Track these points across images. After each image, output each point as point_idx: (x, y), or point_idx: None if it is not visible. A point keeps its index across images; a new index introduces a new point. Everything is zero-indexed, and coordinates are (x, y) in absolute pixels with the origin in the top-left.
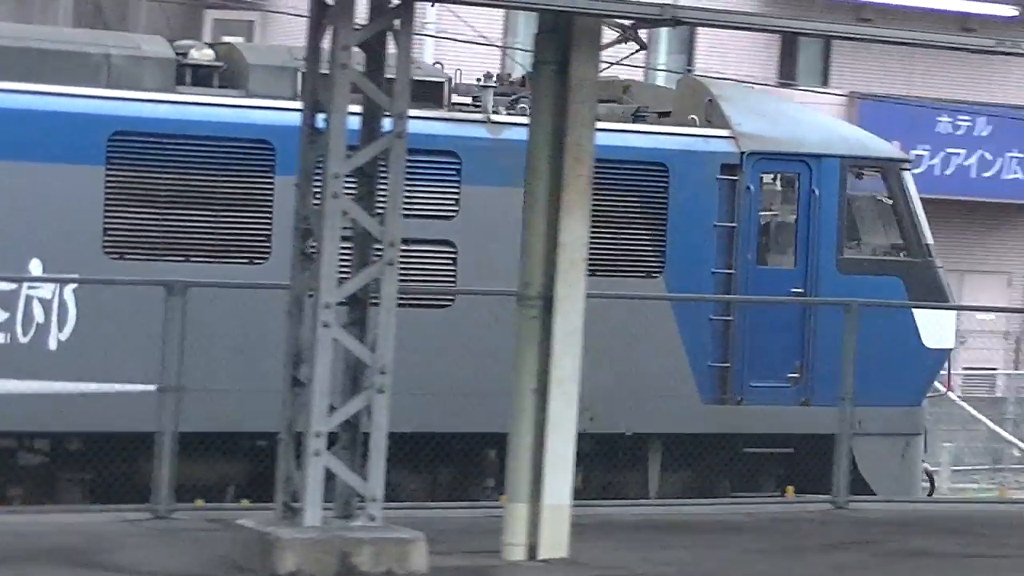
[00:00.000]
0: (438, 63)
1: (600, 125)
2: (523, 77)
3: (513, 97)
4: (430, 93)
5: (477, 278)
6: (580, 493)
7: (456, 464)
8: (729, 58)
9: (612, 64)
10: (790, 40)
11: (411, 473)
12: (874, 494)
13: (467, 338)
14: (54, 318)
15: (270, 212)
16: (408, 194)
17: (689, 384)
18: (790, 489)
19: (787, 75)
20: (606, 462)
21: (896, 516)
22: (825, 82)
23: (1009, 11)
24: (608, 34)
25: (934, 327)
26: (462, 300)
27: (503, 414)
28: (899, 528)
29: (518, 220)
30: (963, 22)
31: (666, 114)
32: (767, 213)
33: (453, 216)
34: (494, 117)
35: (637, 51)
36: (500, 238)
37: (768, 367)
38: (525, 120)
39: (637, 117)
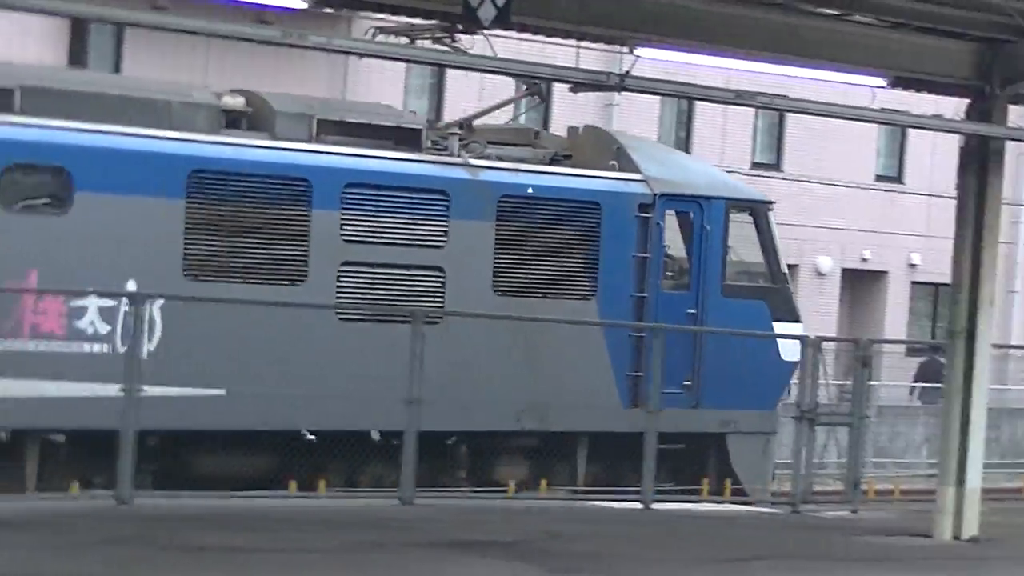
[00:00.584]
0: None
1: (549, 168)
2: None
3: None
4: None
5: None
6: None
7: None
8: (27, 39)
9: None
10: (79, 22)
11: None
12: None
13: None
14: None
15: (307, 241)
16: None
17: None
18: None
19: (77, 59)
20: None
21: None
22: (117, 68)
23: (299, 3)
24: None
25: (789, 344)
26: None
27: None
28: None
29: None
30: (260, 15)
31: (568, 158)
32: (669, 246)
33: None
34: (472, 161)
35: None
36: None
37: (669, 377)
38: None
39: (553, 161)
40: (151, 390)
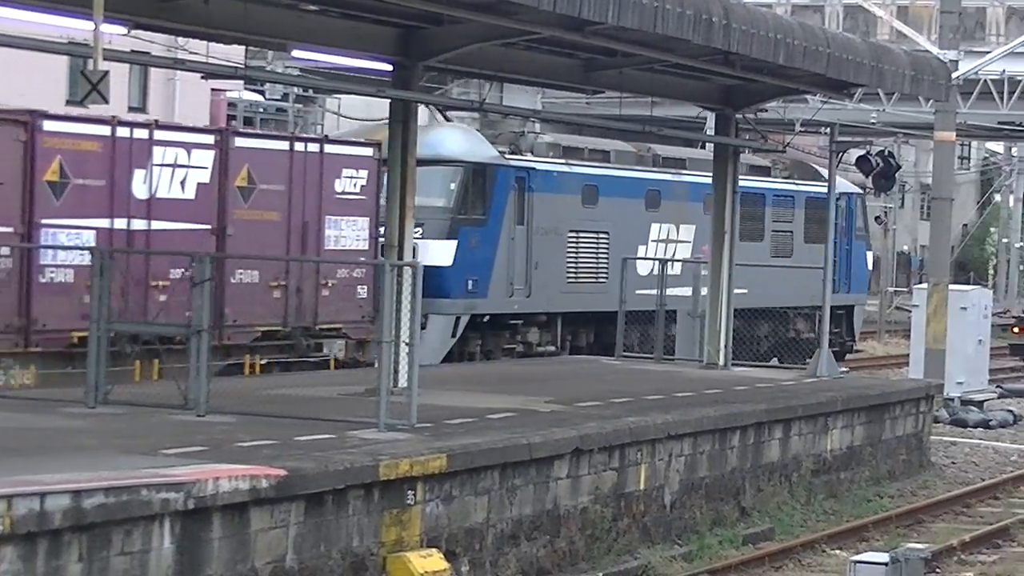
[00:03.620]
0: None
1: (794, 181)
2: None
3: None
4: None
5: None
6: None
7: None
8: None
9: None
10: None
11: None
12: None
13: None
14: None
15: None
16: None
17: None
18: None
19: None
20: None
21: None
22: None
23: None
24: None
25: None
26: None
27: None
28: None
29: None
30: None
31: (791, 176)
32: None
33: None
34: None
35: None
36: None
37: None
38: None
39: (788, 177)
40: None
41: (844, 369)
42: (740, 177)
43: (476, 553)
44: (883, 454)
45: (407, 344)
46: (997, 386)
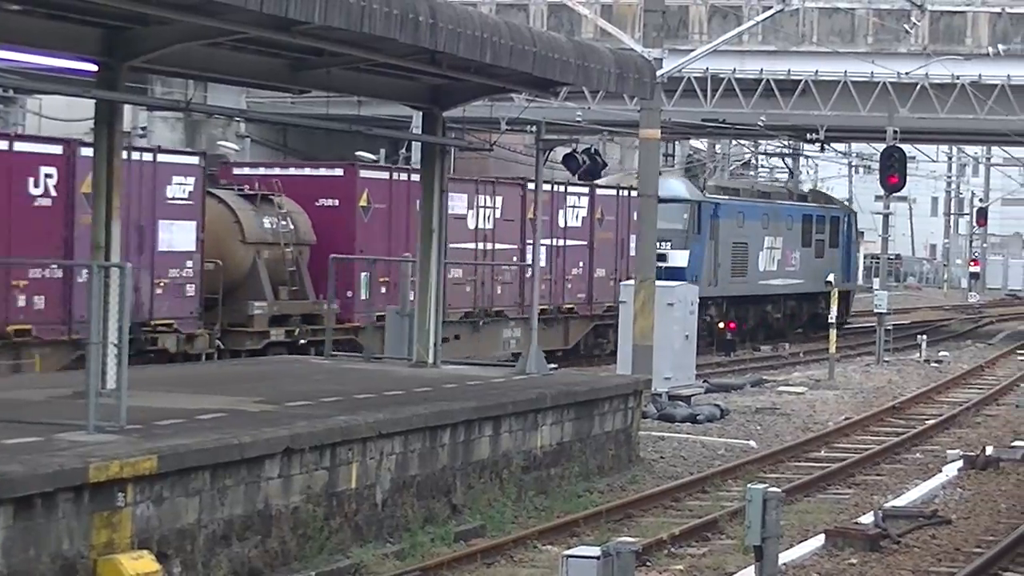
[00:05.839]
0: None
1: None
2: None
3: None
4: None
5: None
6: None
7: None
8: None
9: None
10: None
11: None
12: None
13: None
14: None
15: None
16: None
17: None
18: None
19: None
20: None
21: None
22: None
23: None
24: None
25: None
26: None
27: None
28: None
29: None
30: None
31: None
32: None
33: None
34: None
35: None
36: None
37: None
38: None
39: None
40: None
41: (553, 366)
42: (801, 204)
43: (188, 554)
44: (593, 450)
45: (116, 346)
46: (704, 381)
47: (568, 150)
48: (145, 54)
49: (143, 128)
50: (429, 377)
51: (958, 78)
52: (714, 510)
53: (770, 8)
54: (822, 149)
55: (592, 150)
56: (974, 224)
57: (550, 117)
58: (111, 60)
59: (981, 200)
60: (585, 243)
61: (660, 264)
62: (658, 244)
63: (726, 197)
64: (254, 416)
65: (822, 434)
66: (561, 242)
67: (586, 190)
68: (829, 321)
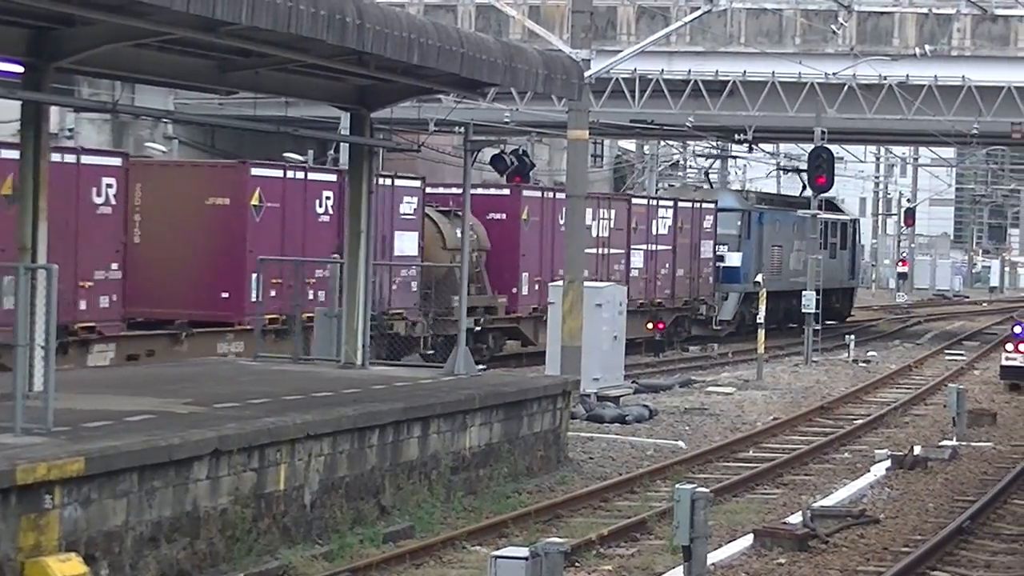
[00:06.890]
0: None
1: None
2: None
3: None
4: None
5: None
6: None
7: None
8: None
9: None
10: None
11: None
12: None
13: None
14: None
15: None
16: None
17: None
18: None
19: None
20: None
21: None
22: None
23: None
24: None
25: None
26: None
27: None
28: None
29: None
30: None
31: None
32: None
33: None
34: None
35: None
36: None
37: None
38: None
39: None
40: None
41: (482, 367)
42: (826, 215)
43: (115, 556)
44: (521, 451)
45: (43, 347)
46: (633, 382)
47: (496, 151)
48: (71, 55)
49: (70, 130)
50: (358, 378)
51: (885, 79)
52: (643, 510)
53: (698, 9)
54: (750, 150)
55: (520, 151)
56: (902, 224)
57: (478, 118)
58: (37, 61)
59: (909, 200)
60: (670, 247)
61: (719, 264)
62: (717, 247)
63: (766, 207)
64: (183, 418)
65: (751, 434)
66: (654, 247)
67: (670, 203)
68: (758, 321)
